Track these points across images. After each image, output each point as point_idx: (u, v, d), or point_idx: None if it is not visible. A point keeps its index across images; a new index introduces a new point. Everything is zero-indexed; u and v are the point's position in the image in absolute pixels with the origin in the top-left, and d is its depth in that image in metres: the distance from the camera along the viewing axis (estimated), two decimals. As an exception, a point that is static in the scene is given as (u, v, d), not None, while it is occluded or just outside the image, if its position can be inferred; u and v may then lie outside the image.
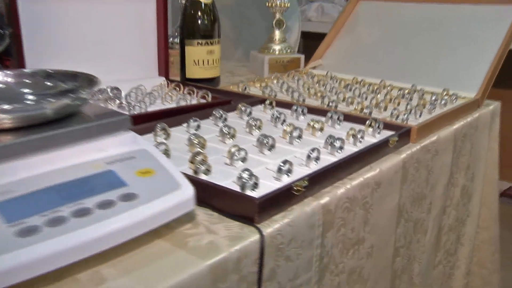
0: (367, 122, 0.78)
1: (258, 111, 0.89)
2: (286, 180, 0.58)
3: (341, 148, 0.69)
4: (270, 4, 1.30)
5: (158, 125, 0.72)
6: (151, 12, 1.02)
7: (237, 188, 0.55)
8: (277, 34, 1.33)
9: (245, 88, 1.04)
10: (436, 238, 0.93)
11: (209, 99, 0.92)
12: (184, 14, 1.12)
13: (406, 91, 1.03)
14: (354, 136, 0.72)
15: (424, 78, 1.09)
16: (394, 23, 1.23)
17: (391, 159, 0.72)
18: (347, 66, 1.22)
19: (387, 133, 0.77)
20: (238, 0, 1.86)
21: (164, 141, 0.72)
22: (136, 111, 0.83)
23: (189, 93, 0.95)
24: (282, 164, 0.59)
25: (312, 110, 0.87)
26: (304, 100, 0.96)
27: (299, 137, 0.73)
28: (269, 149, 0.68)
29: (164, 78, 1.04)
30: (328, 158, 0.66)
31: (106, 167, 0.49)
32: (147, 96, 0.90)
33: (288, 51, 1.33)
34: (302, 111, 0.85)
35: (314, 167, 0.63)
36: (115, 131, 0.53)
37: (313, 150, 0.63)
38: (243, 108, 0.84)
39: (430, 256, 0.91)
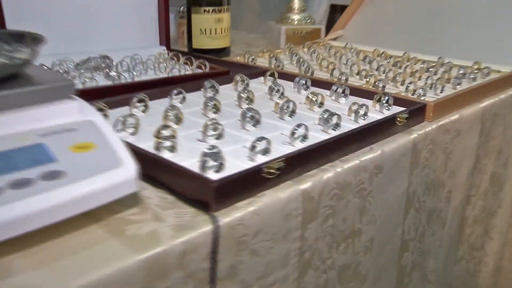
0: (375, 97, 0.68)
1: (258, 83, 0.80)
2: (262, 160, 0.50)
3: (337, 125, 0.59)
4: (288, -31, 1.20)
5: (136, 96, 0.65)
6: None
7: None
8: (296, 2, 1.22)
9: (252, 59, 0.96)
10: (458, 231, 0.82)
11: (207, 69, 0.84)
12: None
13: (432, 64, 0.92)
14: (356, 112, 0.63)
15: (455, 50, 0.97)
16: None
17: (398, 139, 0.62)
18: (370, 37, 1.11)
19: (398, 110, 0.67)
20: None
21: (142, 113, 0.64)
22: (122, 80, 0.76)
23: (186, 63, 0.87)
24: (257, 142, 0.50)
25: (317, 83, 0.78)
26: (312, 73, 0.86)
27: (293, 112, 0.64)
28: (254, 125, 0.60)
29: (164, 48, 0.97)
30: (319, 137, 0.57)
31: (37, 140, 0.42)
32: (138, 65, 0.83)
33: (308, 21, 1.22)
34: (306, 83, 0.76)
35: (300, 146, 0.54)
36: (55, 98, 0.45)
37: (299, 126, 0.54)
38: (238, 78, 0.76)
39: (449, 250, 0.81)
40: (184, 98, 0.69)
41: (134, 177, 0.42)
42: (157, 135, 0.52)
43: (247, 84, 0.77)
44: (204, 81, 0.73)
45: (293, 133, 0.54)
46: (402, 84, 0.80)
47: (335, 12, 2.69)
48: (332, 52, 1.03)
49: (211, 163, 0.47)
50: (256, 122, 0.60)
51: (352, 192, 0.55)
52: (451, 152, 0.72)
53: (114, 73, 0.77)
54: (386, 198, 0.61)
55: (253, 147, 0.50)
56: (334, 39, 1.16)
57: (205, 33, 1.03)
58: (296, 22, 1.21)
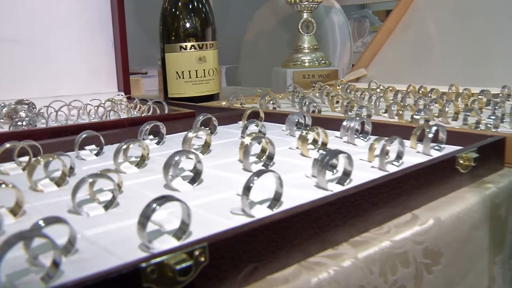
0: (414, 131, 0.41)
1: (235, 128, 0.54)
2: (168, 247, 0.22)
3: (346, 174, 0.31)
4: (293, 0, 0.96)
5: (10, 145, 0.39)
6: (103, 10, 0.72)
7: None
8: (306, 40, 0.98)
9: (240, 105, 0.70)
10: None
11: (165, 111, 0.58)
12: (163, 9, 0.81)
13: (497, 96, 0.64)
14: (382, 153, 0.35)
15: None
16: (468, 12, 0.85)
17: (464, 198, 0.33)
18: (402, 75, 0.84)
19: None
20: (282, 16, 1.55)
21: (21, 171, 0.39)
22: (33, 127, 0.51)
23: (140, 108, 0.62)
24: (154, 207, 0.23)
25: (322, 122, 0.51)
26: (319, 112, 0.59)
27: (270, 157, 0.36)
28: (193, 182, 0.32)
29: (122, 94, 0.72)
30: (308, 196, 0.29)
31: None
32: (60, 111, 0.58)
33: (322, 62, 0.97)
34: (303, 120, 0.49)
35: (265, 215, 0.26)
36: None
37: (259, 174, 0.27)
38: (200, 118, 0.49)
39: None
40: (101, 150, 0.43)
41: None
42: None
43: (214, 127, 0.50)
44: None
45: (248, 189, 0.26)
46: (455, 119, 0.52)
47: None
48: (351, 95, 0.76)
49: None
50: (196, 177, 0.32)
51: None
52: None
53: (20, 118, 0.52)
54: (451, 313, 0.32)
55: (144, 220, 0.22)
56: (356, 80, 0.90)
57: (183, 77, 0.79)
58: (306, 64, 0.96)
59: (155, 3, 1.10)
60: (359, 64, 0.91)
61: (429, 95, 0.68)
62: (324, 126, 0.50)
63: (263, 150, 0.38)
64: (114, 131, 0.49)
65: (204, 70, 0.80)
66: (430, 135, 0.39)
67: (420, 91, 0.73)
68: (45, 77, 0.68)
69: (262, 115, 0.54)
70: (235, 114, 0.57)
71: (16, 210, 0.27)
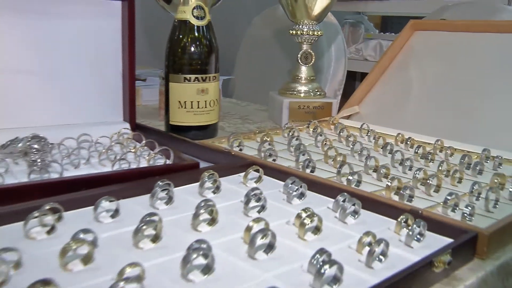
0: (399, 220, 0.46)
1: (236, 183, 0.59)
2: None
3: (336, 279, 0.36)
4: (294, 32, 1.00)
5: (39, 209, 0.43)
6: (112, 34, 0.75)
7: None
8: (304, 71, 1.02)
9: (239, 144, 0.74)
10: None
11: (171, 160, 0.63)
12: (170, 40, 0.85)
13: (474, 159, 0.69)
14: (370, 252, 0.40)
15: (506, 139, 0.75)
16: (464, 61, 0.89)
17: (437, 299, 0.39)
18: (393, 117, 0.89)
19: (435, 240, 0.44)
20: (272, 31, 1.59)
21: (46, 235, 0.43)
22: (46, 175, 0.56)
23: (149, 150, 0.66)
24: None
25: (317, 187, 0.56)
26: (313, 169, 0.64)
27: (270, 246, 0.41)
28: (205, 273, 0.37)
29: (127, 125, 0.76)
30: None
31: None
32: (82, 153, 0.62)
33: (318, 94, 1.02)
34: (298, 190, 0.54)
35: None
36: None
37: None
38: (205, 177, 0.54)
39: None
40: (117, 212, 0.47)
41: None
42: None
43: (217, 188, 0.55)
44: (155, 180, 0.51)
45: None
46: (436, 191, 0.58)
47: (355, 80, 2.48)
48: (343, 136, 0.82)
49: None
50: (207, 269, 0.37)
51: None
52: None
53: (39, 162, 0.56)
54: None
55: None
56: (348, 117, 0.95)
57: (185, 107, 0.83)
58: (302, 95, 1.00)
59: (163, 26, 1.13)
60: (352, 101, 0.96)
61: (417, 150, 0.73)
62: (320, 191, 0.55)
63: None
64: (125, 185, 0.53)
65: (205, 101, 0.84)
66: (414, 229, 0.44)
67: (409, 142, 0.78)
68: (56, 106, 0.72)
69: (261, 174, 0.59)
70: (238, 165, 0.62)
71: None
